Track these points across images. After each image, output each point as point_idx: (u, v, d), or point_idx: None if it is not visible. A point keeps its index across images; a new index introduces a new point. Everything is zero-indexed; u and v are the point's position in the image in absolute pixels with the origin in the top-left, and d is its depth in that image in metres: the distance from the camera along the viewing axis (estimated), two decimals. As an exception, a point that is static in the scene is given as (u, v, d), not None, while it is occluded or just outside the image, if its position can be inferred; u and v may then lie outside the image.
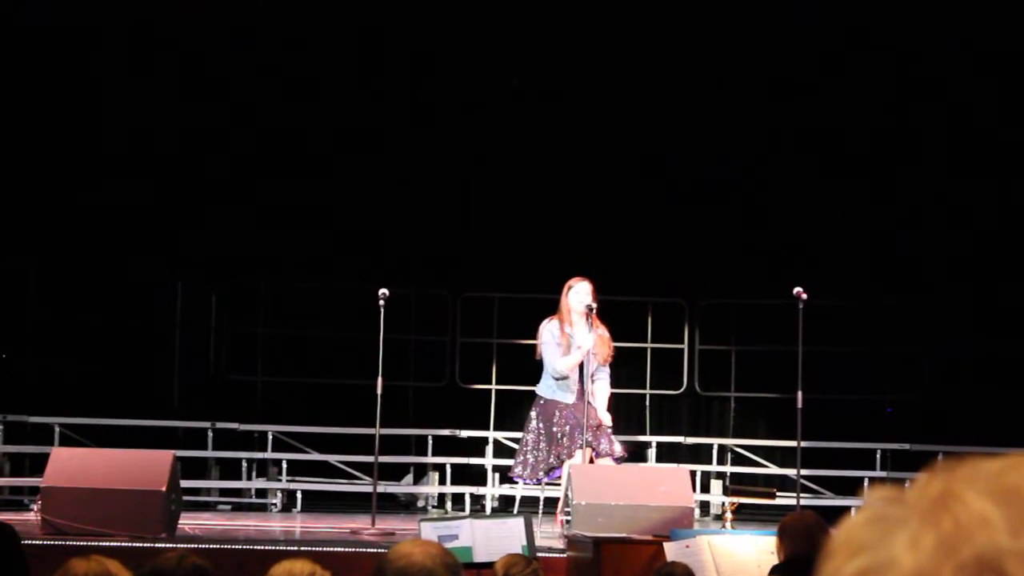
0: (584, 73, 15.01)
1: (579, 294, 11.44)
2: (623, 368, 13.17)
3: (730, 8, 14.98)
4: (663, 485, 10.38)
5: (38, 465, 11.65)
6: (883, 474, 13.93)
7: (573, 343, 11.40)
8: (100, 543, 9.05)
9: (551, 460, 11.41)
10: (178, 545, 8.65)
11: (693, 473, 13.18)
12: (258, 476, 14.36)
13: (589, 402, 11.30)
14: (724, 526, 10.91)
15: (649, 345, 15.07)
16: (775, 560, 6.52)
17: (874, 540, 1.09)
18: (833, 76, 14.92)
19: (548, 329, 11.52)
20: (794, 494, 12.06)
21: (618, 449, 11.37)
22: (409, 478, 14.72)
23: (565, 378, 11.45)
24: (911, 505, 1.10)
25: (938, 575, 1.04)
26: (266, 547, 9.68)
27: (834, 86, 14.95)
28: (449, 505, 14.36)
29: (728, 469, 14.59)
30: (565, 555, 9.55)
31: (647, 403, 15.07)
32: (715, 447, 14.71)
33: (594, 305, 11.40)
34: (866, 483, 13.75)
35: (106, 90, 14.71)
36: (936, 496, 1.08)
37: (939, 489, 1.09)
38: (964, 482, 1.09)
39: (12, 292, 14.36)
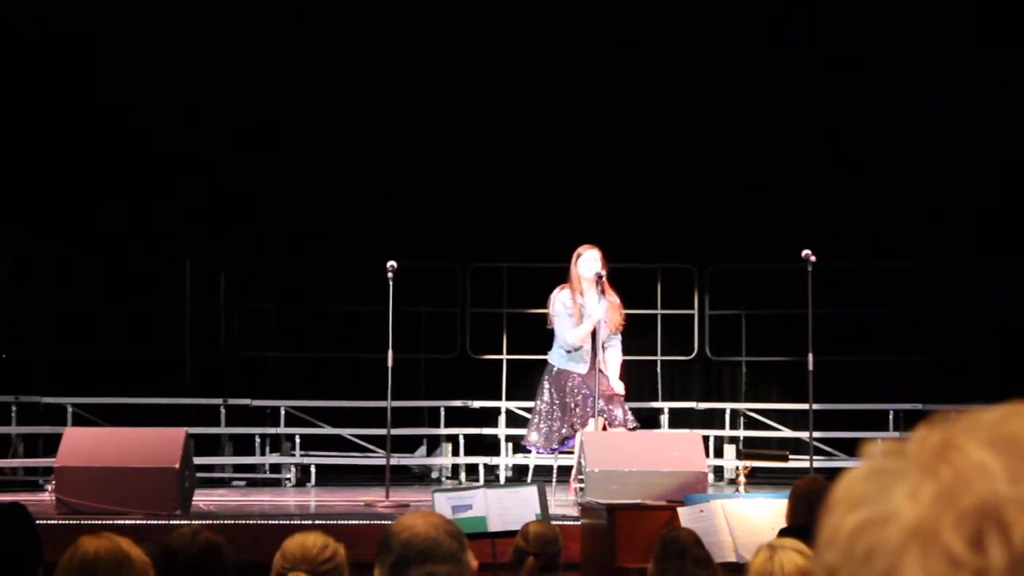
0: (589, 41, 14.98)
1: (588, 261, 11.43)
2: (633, 335, 13.15)
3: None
4: (676, 451, 10.39)
5: (51, 445, 11.68)
6: (895, 434, 13.94)
7: (585, 312, 11.39)
8: (114, 521, 9.07)
9: (564, 430, 11.42)
10: (192, 521, 8.67)
11: (706, 438, 13.17)
12: (271, 451, 14.39)
13: (601, 371, 11.30)
14: (737, 490, 10.94)
15: (659, 311, 15.06)
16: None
17: (874, 493, 1.09)
18: (839, 52, 14.89)
19: (559, 300, 11.50)
20: (807, 456, 12.07)
21: (631, 420, 11.37)
22: (422, 450, 14.74)
23: (578, 349, 11.45)
24: (910, 457, 1.09)
25: (939, 525, 1.04)
26: (281, 522, 9.70)
27: (838, 53, 14.92)
28: (463, 476, 14.38)
29: (740, 433, 14.61)
30: (579, 522, 9.56)
31: (658, 369, 15.06)
32: (727, 412, 14.73)
33: (603, 272, 11.38)
34: (879, 443, 13.74)
35: (112, 73, 14.70)
36: (935, 447, 1.08)
37: (938, 440, 1.09)
38: (963, 432, 1.08)
39: (25, 274, 14.38)
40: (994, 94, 14.63)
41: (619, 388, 11.51)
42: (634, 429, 11.40)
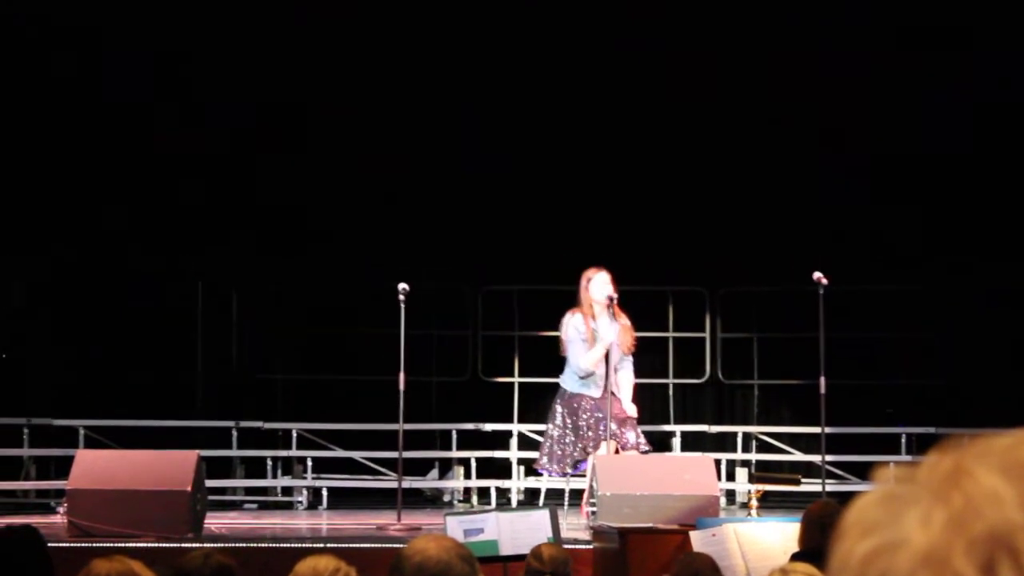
0: (598, 62, 14.98)
1: (600, 284, 11.42)
2: (645, 358, 13.15)
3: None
4: (688, 474, 10.37)
5: (63, 468, 11.69)
6: (908, 458, 13.90)
7: (597, 336, 11.37)
8: (126, 544, 9.07)
9: (576, 454, 11.41)
10: (204, 545, 8.66)
11: (718, 461, 13.15)
12: (283, 474, 14.38)
13: (614, 393, 11.29)
14: (750, 513, 10.90)
15: (671, 334, 15.06)
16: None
17: (885, 519, 1.09)
18: (856, 63, 14.88)
19: (572, 324, 11.47)
20: (819, 480, 12.05)
21: (644, 444, 11.36)
22: (434, 473, 14.73)
23: (591, 373, 11.43)
24: (922, 483, 1.09)
25: (950, 552, 1.04)
26: (292, 545, 9.71)
27: (851, 74, 14.91)
28: (475, 499, 14.37)
29: (753, 457, 14.58)
30: (591, 546, 9.56)
31: (670, 393, 15.05)
32: (739, 435, 14.69)
33: (615, 295, 11.38)
34: (891, 468, 13.69)
35: (128, 89, 14.71)
36: (946, 473, 1.08)
37: (949, 466, 1.09)
38: (974, 458, 1.08)
39: (36, 295, 14.39)
40: (994, 94, 14.61)
41: (632, 411, 11.49)
42: (646, 453, 11.39)
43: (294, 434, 14.32)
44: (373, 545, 9.67)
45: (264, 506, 14.06)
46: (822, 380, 11.15)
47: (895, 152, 14.88)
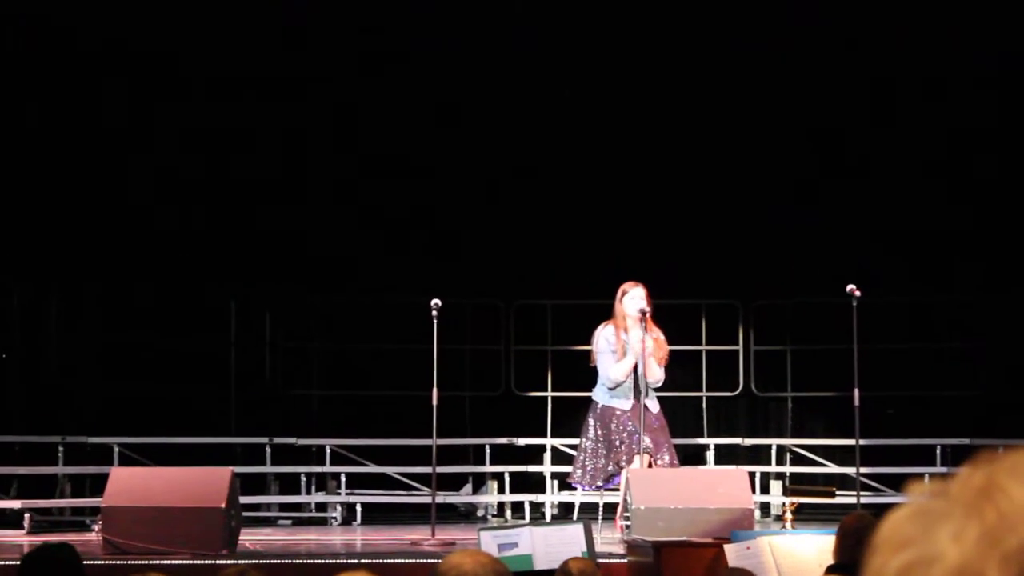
0: (630, 77, 14.97)
1: (634, 299, 11.41)
2: (678, 371, 13.12)
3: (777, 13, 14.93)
4: (722, 487, 10.35)
5: (98, 485, 11.70)
6: (943, 470, 13.85)
7: (628, 348, 11.38)
8: (161, 561, 9.09)
9: (610, 468, 11.41)
10: (239, 561, 8.67)
11: (752, 474, 13.13)
12: (317, 490, 14.39)
13: (646, 406, 11.28)
14: (784, 526, 10.87)
15: (704, 347, 15.03)
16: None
17: (918, 534, 1.09)
18: (888, 74, 14.84)
19: (603, 336, 11.49)
20: (854, 492, 12.01)
21: (676, 462, 11.38)
22: (468, 488, 14.72)
23: (620, 385, 11.43)
24: (954, 498, 1.09)
25: (983, 567, 1.03)
26: (327, 561, 9.70)
27: (888, 82, 14.88)
28: (509, 514, 14.36)
29: (787, 469, 14.54)
30: (625, 560, 9.54)
31: (704, 405, 15.03)
32: (773, 448, 14.66)
33: (648, 309, 11.37)
34: (926, 479, 13.64)
35: (152, 103, 14.75)
36: (979, 488, 1.08)
37: (982, 481, 1.08)
38: (1007, 473, 1.08)
39: (72, 314, 14.43)
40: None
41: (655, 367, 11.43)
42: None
43: (328, 450, 14.33)
44: (407, 560, 9.67)
45: (298, 522, 14.07)
46: (856, 392, 11.11)
47: (920, 157, 14.84)
